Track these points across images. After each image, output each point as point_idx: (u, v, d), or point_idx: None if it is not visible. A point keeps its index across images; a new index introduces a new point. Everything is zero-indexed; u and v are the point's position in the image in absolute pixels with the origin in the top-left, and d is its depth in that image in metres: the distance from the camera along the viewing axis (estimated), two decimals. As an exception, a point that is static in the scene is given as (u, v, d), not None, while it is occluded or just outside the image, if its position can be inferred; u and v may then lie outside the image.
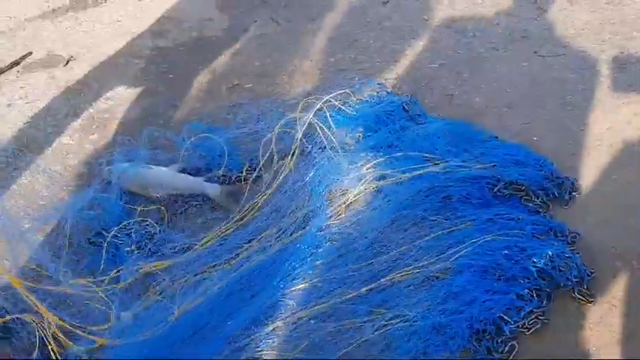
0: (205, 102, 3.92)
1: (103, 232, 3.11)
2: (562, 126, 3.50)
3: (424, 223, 3.05)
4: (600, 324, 2.65)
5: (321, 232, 3.04)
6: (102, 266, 2.98)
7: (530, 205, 3.10)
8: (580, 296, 2.72)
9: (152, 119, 3.81)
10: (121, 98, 3.98)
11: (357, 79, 3.90)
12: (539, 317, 2.66)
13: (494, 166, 3.20)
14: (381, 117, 3.54)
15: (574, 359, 2.56)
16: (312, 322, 2.72)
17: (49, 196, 3.33)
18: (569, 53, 3.96)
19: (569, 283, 2.74)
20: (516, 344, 2.59)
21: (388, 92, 3.76)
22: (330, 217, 3.11)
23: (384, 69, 4.04)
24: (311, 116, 3.47)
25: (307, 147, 3.40)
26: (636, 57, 3.84)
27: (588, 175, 3.23)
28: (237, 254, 3.01)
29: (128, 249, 3.04)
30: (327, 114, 3.49)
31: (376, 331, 2.67)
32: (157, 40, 4.47)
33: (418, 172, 3.20)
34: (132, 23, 4.60)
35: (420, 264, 2.87)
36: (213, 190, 3.28)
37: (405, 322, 2.68)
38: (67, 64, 4.27)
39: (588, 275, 2.77)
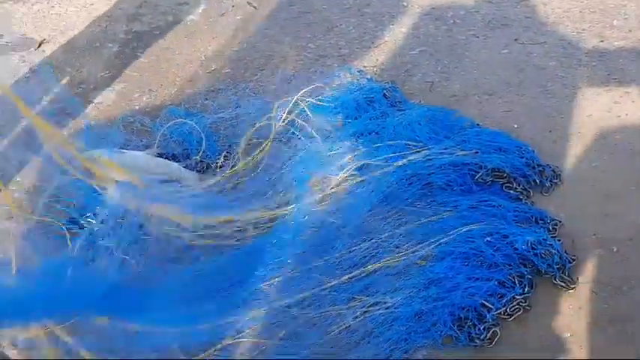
0: (182, 87, 3.85)
1: (77, 218, 3.03)
2: (542, 113, 3.49)
3: (406, 210, 3.02)
4: (581, 310, 2.65)
5: (303, 219, 3.00)
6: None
7: (512, 192, 3.09)
8: (561, 283, 2.71)
9: (127, 104, 3.73)
10: (94, 82, 3.89)
11: (336, 65, 3.86)
12: (521, 304, 2.65)
13: (477, 152, 3.18)
14: (362, 104, 3.49)
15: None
16: (292, 309, 2.69)
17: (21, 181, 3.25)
18: (550, 41, 3.95)
19: (551, 269, 2.73)
20: (498, 331, 2.58)
21: (368, 79, 3.72)
22: (311, 204, 3.07)
23: (363, 55, 4.00)
24: (290, 105, 3.41)
25: (285, 135, 3.35)
26: (616, 45, 3.84)
27: (569, 162, 3.23)
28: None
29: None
30: (306, 103, 3.43)
31: (356, 318, 2.65)
32: (132, 23, 4.38)
33: (401, 163, 3.16)
34: (106, 6, 4.50)
35: (402, 251, 2.85)
36: (190, 177, 3.21)
37: (386, 309, 2.66)
38: (39, 46, 4.17)
39: (569, 262, 2.76)
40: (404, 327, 2.61)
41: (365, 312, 2.67)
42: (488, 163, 3.14)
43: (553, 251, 2.77)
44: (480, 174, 3.13)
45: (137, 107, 3.70)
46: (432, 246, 2.85)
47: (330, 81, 3.63)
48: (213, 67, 3.98)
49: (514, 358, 2.51)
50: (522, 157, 3.19)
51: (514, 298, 2.66)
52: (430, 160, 3.18)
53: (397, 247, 2.86)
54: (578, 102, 3.53)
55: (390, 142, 3.27)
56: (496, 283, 2.70)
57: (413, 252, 2.84)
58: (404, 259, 2.81)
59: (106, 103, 3.77)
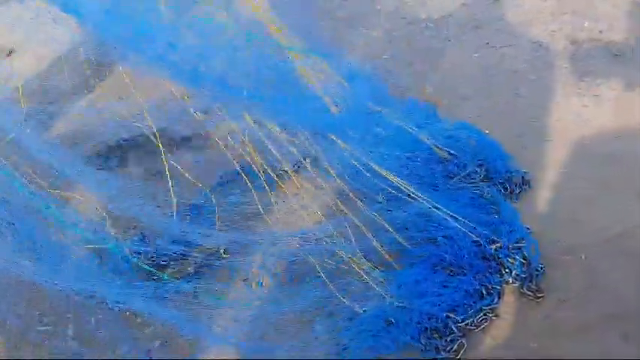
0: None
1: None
2: (513, 118, 3.49)
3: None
4: (548, 319, 2.65)
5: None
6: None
7: (482, 199, 3.09)
8: (529, 292, 2.71)
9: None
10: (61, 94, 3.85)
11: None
12: (488, 314, 2.65)
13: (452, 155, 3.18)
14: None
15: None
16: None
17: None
18: (521, 44, 3.93)
19: (518, 278, 2.73)
20: (464, 342, 2.57)
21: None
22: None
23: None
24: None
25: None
26: (586, 48, 3.83)
27: (538, 168, 3.22)
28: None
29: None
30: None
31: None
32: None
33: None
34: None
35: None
36: None
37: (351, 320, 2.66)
38: (9, 55, 4.13)
39: (537, 270, 2.76)
40: (371, 335, 2.60)
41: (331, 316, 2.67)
42: (465, 167, 3.14)
43: (521, 260, 2.77)
44: (456, 177, 3.12)
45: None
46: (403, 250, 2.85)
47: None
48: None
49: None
50: (496, 162, 3.20)
51: (481, 308, 2.65)
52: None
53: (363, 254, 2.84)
54: (549, 106, 3.52)
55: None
56: (464, 292, 2.69)
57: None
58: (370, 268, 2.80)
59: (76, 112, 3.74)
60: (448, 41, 4.02)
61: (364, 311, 2.68)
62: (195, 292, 2.76)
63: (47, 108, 3.70)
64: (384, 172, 2.91)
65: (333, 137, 2.84)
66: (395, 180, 2.89)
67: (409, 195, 2.92)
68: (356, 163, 2.91)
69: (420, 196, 2.87)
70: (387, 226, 2.85)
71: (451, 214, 2.86)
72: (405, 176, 3.07)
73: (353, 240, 2.83)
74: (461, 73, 3.79)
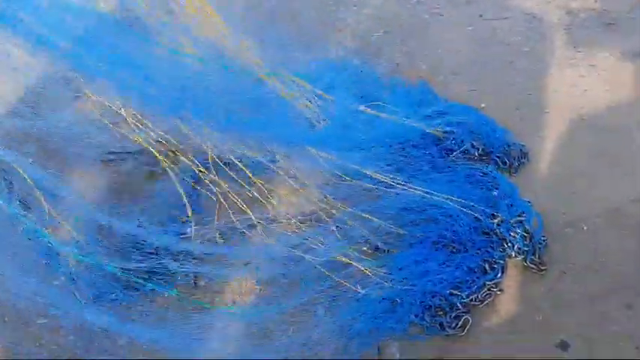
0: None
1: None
2: (509, 91, 3.45)
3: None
4: (552, 291, 2.64)
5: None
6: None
7: (480, 176, 3.06)
8: (532, 265, 2.70)
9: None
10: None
11: (299, 52, 3.78)
12: (492, 289, 2.64)
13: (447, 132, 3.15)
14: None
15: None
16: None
17: None
18: (514, 16, 3.89)
19: (521, 252, 2.72)
20: (469, 318, 2.56)
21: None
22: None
23: (328, 40, 3.92)
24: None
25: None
26: (580, 18, 3.79)
27: (536, 140, 3.19)
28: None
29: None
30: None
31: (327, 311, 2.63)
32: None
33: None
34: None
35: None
36: None
37: (357, 300, 2.64)
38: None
39: (540, 243, 2.75)
40: (374, 318, 2.59)
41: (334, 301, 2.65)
42: (461, 144, 3.11)
43: (523, 233, 2.76)
44: (453, 153, 3.10)
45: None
46: (403, 229, 2.82)
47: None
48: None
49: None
50: (493, 137, 3.17)
51: (484, 283, 2.64)
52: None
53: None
54: (545, 77, 3.50)
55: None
56: (466, 269, 2.68)
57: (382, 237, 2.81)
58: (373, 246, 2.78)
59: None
60: (440, 16, 3.97)
61: (366, 294, 2.66)
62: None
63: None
64: (369, 172, 2.89)
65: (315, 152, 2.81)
66: (382, 177, 2.86)
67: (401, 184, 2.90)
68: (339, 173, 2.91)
69: (412, 187, 2.85)
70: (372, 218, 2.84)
71: (447, 197, 2.83)
72: (402, 161, 3.07)
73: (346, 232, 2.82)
74: (454, 48, 3.75)
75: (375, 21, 4.00)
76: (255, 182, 2.92)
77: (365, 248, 2.77)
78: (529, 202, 2.90)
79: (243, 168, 2.87)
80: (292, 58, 3.66)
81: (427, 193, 2.82)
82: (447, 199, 2.80)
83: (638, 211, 2.86)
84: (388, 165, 3.00)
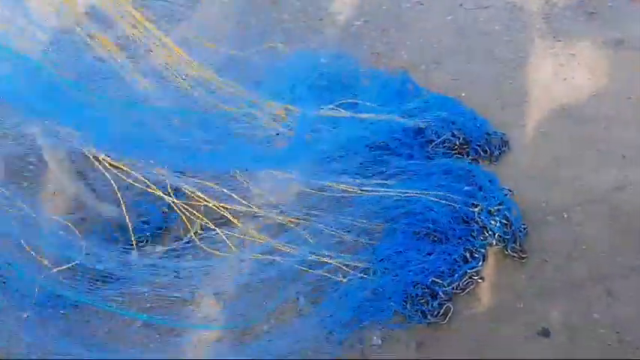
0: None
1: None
2: (490, 80, 3.45)
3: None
4: (533, 279, 2.64)
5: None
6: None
7: (462, 163, 3.06)
8: (513, 253, 2.70)
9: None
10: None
11: (279, 41, 3.76)
12: (473, 277, 2.64)
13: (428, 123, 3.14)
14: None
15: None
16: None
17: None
18: (495, 5, 3.88)
19: (502, 240, 2.72)
20: (451, 306, 2.56)
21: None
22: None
23: (309, 29, 3.89)
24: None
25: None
26: (560, 7, 3.80)
27: (517, 129, 3.20)
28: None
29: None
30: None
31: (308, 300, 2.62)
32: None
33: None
34: None
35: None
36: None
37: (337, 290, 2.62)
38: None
39: (520, 231, 2.75)
40: (356, 307, 2.57)
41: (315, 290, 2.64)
42: (441, 134, 3.10)
43: (503, 221, 2.75)
44: (433, 144, 3.09)
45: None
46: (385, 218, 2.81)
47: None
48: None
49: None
50: (473, 126, 3.16)
51: (466, 272, 2.64)
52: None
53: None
54: (525, 66, 3.50)
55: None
56: (448, 257, 2.67)
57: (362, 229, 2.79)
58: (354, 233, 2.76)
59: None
60: (421, 5, 3.95)
61: (348, 284, 2.64)
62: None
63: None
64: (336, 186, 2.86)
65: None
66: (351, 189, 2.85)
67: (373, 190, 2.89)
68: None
69: (386, 191, 2.83)
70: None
71: (424, 192, 2.82)
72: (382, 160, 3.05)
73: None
74: (435, 37, 3.73)
75: (355, 10, 3.98)
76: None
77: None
78: (510, 190, 2.90)
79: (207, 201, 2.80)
80: (272, 49, 3.65)
81: (402, 192, 2.80)
82: (425, 194, 2.79)
83: (619, 199, 2.87)
84: (367, 166, 3.00)
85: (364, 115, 3.07)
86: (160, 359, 2.50)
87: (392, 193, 2.82)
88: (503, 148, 3.10)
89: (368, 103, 3.14)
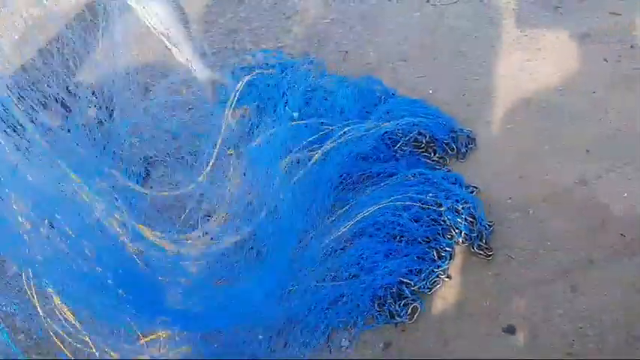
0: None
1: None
2: (456, 76, 3.46)
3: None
4: (499, 276, 2.67)
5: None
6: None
7: (429, 161, 3.07)
8: (479, 251, 2.72)
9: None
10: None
11: (247, 39, 3.75)
12: (440, 276, 2.66)
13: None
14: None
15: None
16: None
17: None
18: (462, 0, 3.89)
19: (468, 238, 2.74)
20: (418, 305, 2.58)
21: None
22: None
23: (275, 27, 3.88)
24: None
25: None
26: (526, 1, 3.81)
27: (483, 125, 3.21)
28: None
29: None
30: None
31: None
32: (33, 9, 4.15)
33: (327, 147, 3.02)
34: (2, -8, 4.25)
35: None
36: (203, 73, 2.96)
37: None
38: None
39: (486, 229, 2.77)
40: (323, 310, 2.58)
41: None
42: (407, 134, 3.10)
43: (469, 219, 2.77)
44: (399, 144, 3.09)
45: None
46: (351, 223, 2.80)
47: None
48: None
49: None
50: (439, 125, 3.17)
51: (433, 271, 2.65)
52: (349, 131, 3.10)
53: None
54: (491, 62, 3.51)
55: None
56: (414, 258, 2.69)
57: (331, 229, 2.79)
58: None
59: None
60: (387, 1, 3.96)
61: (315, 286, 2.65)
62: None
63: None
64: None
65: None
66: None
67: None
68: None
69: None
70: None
71: (389, 201, 2.83)
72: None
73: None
74: (402, 35, 3.74)
75: (322, 8, 3.97)
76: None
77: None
78: (475, 187, 2.92)
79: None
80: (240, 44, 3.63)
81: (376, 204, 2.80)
82: (390, 202, 2.80)
83: (583, 193, 2.89)
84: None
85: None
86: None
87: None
88: (470, 145, 3.12)
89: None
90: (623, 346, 2.43)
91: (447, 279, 2.66)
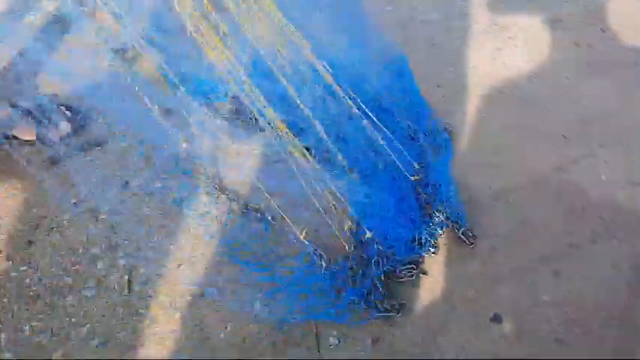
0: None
1: None
2: (430, 69, 3.47)
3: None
4: (483, 266, 2.68)
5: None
6: None
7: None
8: (463, 237, 2.73)
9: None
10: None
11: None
12: (421, 268, 2.67)
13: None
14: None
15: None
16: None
17: None
18: (432, -8, 3.91)
19: (453, 227, 2.75)
20: (404, 298, 2.58)
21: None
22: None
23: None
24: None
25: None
26: (496, -10, 3.84)
27: (459, 116, 3.22)
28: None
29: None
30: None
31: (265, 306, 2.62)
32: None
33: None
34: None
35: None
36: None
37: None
38: None
39: (465, 220, 2.78)
40: (310, 307, 2.58)
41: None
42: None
43: (452, 210, 2.78)
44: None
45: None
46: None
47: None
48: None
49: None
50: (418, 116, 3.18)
51: (416, 261, 2.66)
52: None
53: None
54: (464, 53, 3.53)
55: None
56: (400, 248, 2.69)
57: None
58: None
59: None
60: (361, -4, 3.96)
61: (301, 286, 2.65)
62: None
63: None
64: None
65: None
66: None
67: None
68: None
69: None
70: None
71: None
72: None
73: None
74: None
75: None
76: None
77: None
78: (454, 178, 2.93)
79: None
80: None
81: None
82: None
83: (560, 179, 2.92)
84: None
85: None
86: None
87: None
88: (448, 137, 3.13)
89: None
90: (608, 327, 2.45)
91: (422, 275, 2.66)
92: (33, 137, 3.02)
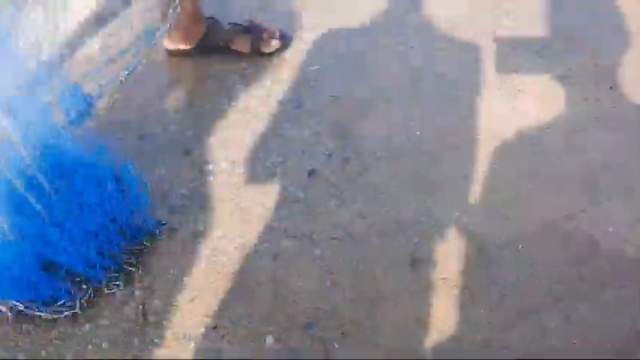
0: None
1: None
2: (441, 120, 3.57)
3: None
4: (492, 312, 2.72)
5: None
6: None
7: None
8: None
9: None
10: None
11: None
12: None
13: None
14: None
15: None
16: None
17: None
18: (446, 47, 4.01)
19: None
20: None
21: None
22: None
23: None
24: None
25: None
26: (508, 46, 3.95)
27: (469, 167, 3.30)
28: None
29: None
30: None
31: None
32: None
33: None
34: None
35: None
36: None
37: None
38: None
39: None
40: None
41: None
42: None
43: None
44: None
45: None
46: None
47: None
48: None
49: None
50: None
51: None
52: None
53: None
54: (475, 105, 3.62)
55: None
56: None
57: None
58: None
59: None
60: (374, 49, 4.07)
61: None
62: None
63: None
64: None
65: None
66: None
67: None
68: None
69: None
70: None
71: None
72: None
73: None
74: (389, 77, 3.84)
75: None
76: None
77: None
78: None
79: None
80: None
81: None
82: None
83: (572, 226, 3.00)
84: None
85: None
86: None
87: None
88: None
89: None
90: None
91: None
92: (248, 50, 3.71)
